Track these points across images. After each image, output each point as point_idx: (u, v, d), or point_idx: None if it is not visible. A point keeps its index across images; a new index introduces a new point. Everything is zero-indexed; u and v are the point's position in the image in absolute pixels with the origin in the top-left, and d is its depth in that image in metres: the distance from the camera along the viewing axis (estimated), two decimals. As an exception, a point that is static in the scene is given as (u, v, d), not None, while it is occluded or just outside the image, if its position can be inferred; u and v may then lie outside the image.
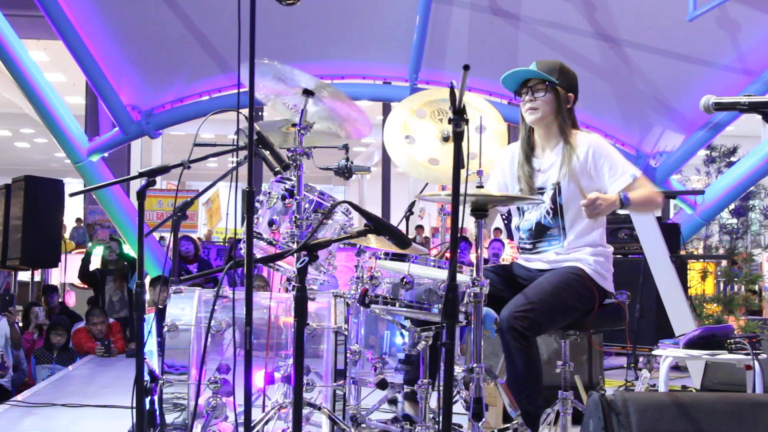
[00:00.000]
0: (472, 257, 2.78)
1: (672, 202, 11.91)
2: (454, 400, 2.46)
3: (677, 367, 5.78)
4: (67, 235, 13.90)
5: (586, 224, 3.05)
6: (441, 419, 2.12)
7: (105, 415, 4.56)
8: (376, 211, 10.24)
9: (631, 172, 2.99)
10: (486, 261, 9.06)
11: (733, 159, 9.86)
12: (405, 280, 2.70)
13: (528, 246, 3.15)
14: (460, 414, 2.98)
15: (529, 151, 3.16)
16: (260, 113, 13.22)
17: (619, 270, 3.15)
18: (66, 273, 10.45)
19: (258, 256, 2.91)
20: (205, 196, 13.51)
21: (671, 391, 3.70)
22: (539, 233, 3.11)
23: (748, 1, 7.19)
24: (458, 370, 2.98)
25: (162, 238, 11.76)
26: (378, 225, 2.39)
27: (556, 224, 3.08)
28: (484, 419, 2.48)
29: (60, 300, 8.75)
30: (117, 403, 4.74)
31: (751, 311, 8.44)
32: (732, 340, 3.45)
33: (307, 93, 3.00)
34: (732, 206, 9.75)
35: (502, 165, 3.26)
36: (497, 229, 14.63)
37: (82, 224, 15.32)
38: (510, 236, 9.39)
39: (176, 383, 3.02)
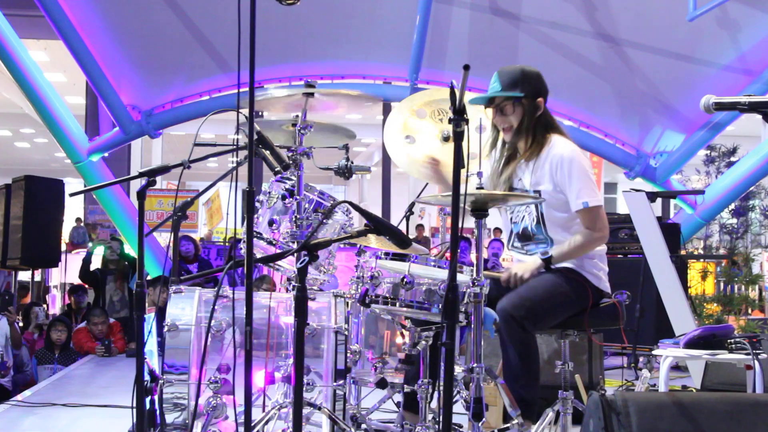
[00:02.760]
0: (473, 257, 2.81)
1: (672, 202, 11.92)
2: (454, 400, 2.46)
3: (677, 367, 5.77)
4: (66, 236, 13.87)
5: (567, 233, 3.07)
6: (441, 419, 2.12)
7: (105, 415, 4.56)
8: (376, 211, 10.24)
9: (584, 200, 2.96)
10: (486, 261, 9.06)
11: (733, 159, 9.87)
12: (405, 280, 2.70)
13: (518, 245, 3.20)
14: (460, 414, 2.97)
15: (511, 153, 3.17)
16: (260, 113, 13.22)
17: (619, 270, 3.17)
18: (66, 273, 10.45)
19: (258, 255, 2.91)
20: (205, 196, 13.50)
21: (671, 391, 3.69)
22: (526, 238, 3.16)
23: (748, 1, 7.20)
24: (458, 370, 2.98)
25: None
26: (378, 225, 2.39)
27: (539, 232, 3.12)
28: (484, 419, 2.47)
29: (88, 301, 8.72)
30: (117, 403, 4.74)
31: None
32: (732, 340, 3.44)
33: (308, 95, 3.01)
34: (732, 206, 9.75)
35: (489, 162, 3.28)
36: (497, 229, 14.63)
37: (82, 224, 15.31)
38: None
39: (176, 383, 3.02)
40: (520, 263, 3.07)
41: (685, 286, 6.33)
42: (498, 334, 2.85)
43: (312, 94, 3.00)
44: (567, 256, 3.02)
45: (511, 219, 3.23)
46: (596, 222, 3.00)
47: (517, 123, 3.07)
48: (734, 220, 10.31)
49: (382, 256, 2.80)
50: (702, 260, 8.38)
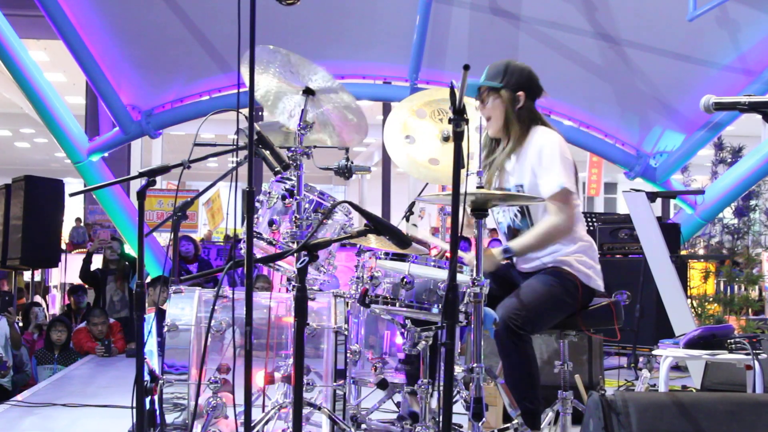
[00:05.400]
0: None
1: (672, 202, 11.91)
2: (454, 400, 2.46)
3: (677, 367, 5.78)
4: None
5: None
6: (441, 419, 2.12)
7: (105, 415, 4.56)
8: (376, 211, 10.23)
9: (561, 182, 2.92)
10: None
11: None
12: (405, 280, 2.70)
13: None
14: (460, 414, 2.97)
15: (491, 147, 3.18)
16: (260, 113, 13.22)
17: (619, 270, 3.16)
18: (66, 273, 10.45)
19: (258, 256, 2.91)
20: (205, 196, 13.50)
21: (671, 391, 3.69)
22: (513, 235, 3.13)
23: (748, 1, 7.20)
24: (458, 370, 2.98)
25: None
26: (378, 225, 2.39)
27: (525, 225, 3.09)
28: (484, 419, 2.47)
29: (88, 301, 8.72)
30: (117, 403, 4.74)
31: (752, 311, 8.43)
32: (732, 340, 3.45)
33: (308, 92, 3.01)
34: (734, 206, 9.73)
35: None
36: (495, 229, 14.62)
37: (81, 224, 15.30)
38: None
39: (176, 383, 3.02)
40: (486, 258, 2.91)
41: (685, 286, 6.33)
42: (496, 342, 2.83)
43: (313, 93, 3.01)
44: (529, 248, 2.97)
45: (496, 220, 3.21)
46: (567, 208, 2.94)
47: (495, 115, 3.07)
48: (736, 221, 10.28)
49: (382, 256, 2.81)
50: (703, 260, 8.37)
